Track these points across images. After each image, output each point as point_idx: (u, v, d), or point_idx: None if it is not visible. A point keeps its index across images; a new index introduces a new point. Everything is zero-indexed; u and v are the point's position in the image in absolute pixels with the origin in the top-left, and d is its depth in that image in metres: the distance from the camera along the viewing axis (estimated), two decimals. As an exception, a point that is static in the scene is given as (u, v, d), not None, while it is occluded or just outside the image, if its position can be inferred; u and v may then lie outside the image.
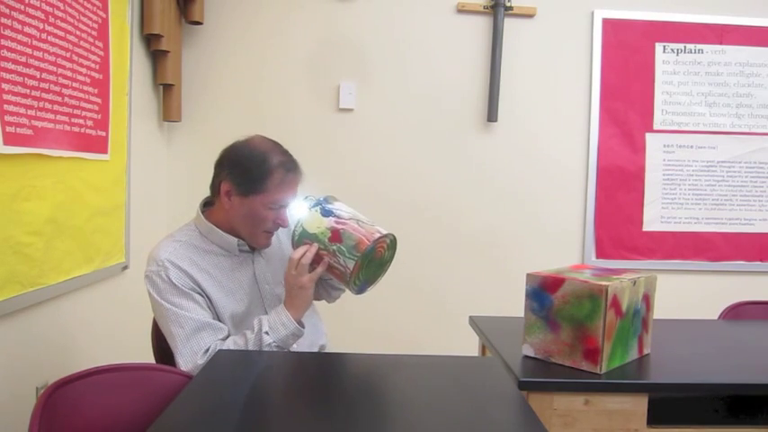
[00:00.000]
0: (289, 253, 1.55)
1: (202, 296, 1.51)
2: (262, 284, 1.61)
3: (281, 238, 1.69)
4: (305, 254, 1.47)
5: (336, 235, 1.46)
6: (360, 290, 1.54)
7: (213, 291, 1.52)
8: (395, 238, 1.55)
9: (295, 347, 1.55)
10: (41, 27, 1.64)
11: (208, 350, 1.44)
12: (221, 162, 1.57)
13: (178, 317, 1.46)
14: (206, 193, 1.65)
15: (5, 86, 1.49)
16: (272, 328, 1.46)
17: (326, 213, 1.50)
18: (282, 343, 1.47)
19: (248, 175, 1.50)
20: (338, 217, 1.49)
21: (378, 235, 1.47)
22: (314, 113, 2.84)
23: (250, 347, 1.45)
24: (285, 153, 1.56)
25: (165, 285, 1.48)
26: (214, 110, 2.81)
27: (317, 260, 1.48)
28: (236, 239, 1.57)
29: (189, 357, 1.43)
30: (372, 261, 1.50)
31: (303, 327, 1.50)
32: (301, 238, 1.50)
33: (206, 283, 1.52)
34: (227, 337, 1.50)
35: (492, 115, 2.86)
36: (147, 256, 1.56)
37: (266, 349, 1.45)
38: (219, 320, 1.52)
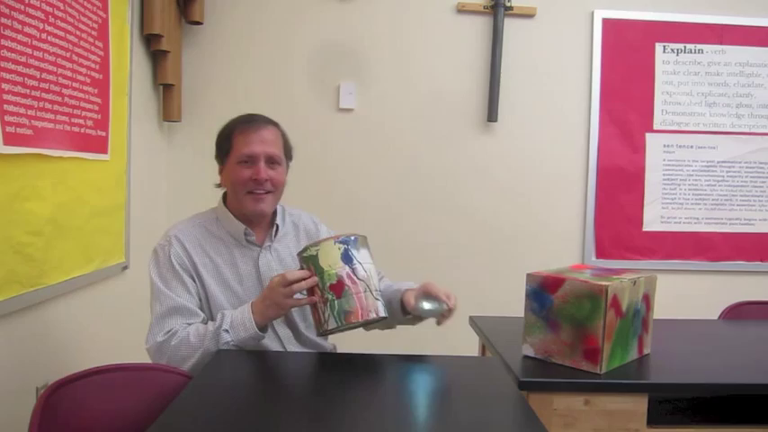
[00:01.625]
0: None
1: (194, 281, 1.51)
2: (266, 281, 1.55)
3: (301, 239, 1.66)
4: (301, 282, 1.39)
5: (339, 288, 1.37)
6: (321, 336, 1.48)
7: (209, 278, 1.52)
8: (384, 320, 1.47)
9: None
10: (41, 27, 1.64)
11: (170, 331, 1.43)
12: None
13: (161, 293, 1.47)
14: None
15: (5, 86, 1.49)
16: (234, 328, 1.42)
17: (346, 259, 1.39)
18: (241, 344, 1.43)
19: (219, 143, 1.61)
20: (353, 271, 1.38)
21: (373, 317, 1.39)
22: (314, 113, 2.84)
23: (207, 342, 1.40)
24: (253, 114, 1.61)
25: (164, 260, 1.51)
26: (214, 110, 2.81)
27: (308, 290, 1.41)
28: (243, 227, 1.57)
29: (153, 335, 1.44)
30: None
31: (265, 331, 1.46)
32: (309, 261, 1.40)
33: (204, 268, 1.52)
34: (195, 323, 1.47)
35: (492, 115, 2.86)
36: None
37: (224, 347, 1.40)
38: (205, 308, 1.51)
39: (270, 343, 1.53)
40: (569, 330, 1.45)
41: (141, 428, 1.04)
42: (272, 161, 1.55)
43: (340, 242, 1.40)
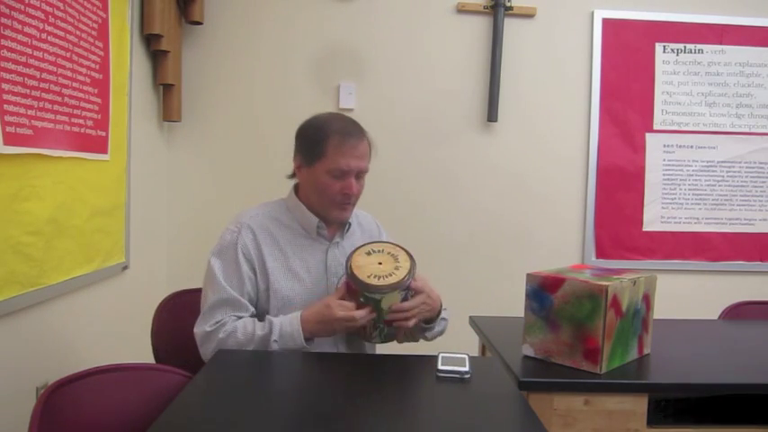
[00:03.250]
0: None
1: (255, 273, 1.53)
2: (331, 277, 1.58)
3: (374, 235, 1.70)
4: (361, 318, 1.44)
5: (391, 322, 1.49)
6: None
7: (276, 267, 1.54)
8: None
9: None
10: (41, 27, 1.64)
11: (219, 322, 1.47)
12: (295, 136, 1.61)
13: (216, 283, 1.50)
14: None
15: (5, 86, 1.49)
16: (282, 338, 1.45)
17: (403, 299, 1.49)
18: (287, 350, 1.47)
19: (309, 142, 1.55)
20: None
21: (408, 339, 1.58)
22: (314, 113, 2.83)
23: (255, 344, 1.45)
24: (347, 120, 1.57)
25: (230, 247, 1.53)
26: (214, 110, 2.81)
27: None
28: (317, 219, 1.58)
29: (202, 324, 1.48)
30: None
31: (312, 342, 1.48)
32: (370, 301, 1.46)
33: (272, 257, 1.54)
34: (244, 317, 1.50)
35: (492, 115, 2.86)
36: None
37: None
38: (263, 298, 1.53)
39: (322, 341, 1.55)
40: (569, 330, 1.45)
41: (141, 428, 1.04)
42: (360, 174, 1.56)
43: (402, 290, 1.47)
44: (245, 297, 1.52)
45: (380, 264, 1.49)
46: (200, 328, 1.49)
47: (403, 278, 1.46)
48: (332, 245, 1.61)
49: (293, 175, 1.64)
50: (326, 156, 1.51)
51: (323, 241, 1.61)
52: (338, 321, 1.44)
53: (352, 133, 1.53)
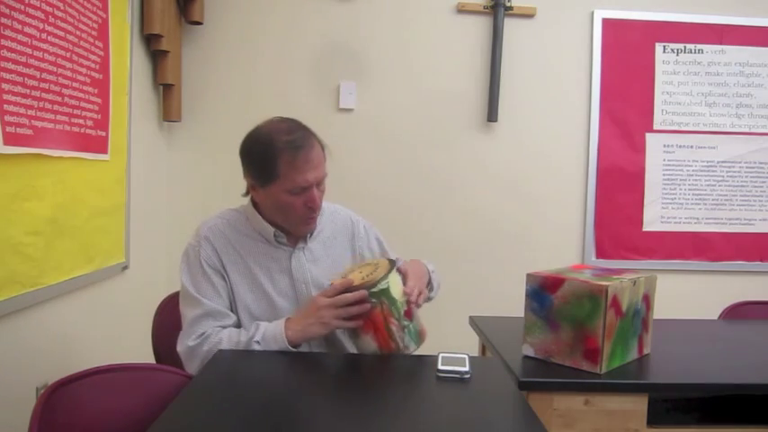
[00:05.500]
0: (342, 256, 1.58)
1: (224, 280, 1.49)
2: (298, 284, 1.53)
3: (338, 235, 1.62)
4: (356, 304, 1.36)
5: (409, 312, 1.41)
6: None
7: (237, 277, 1.50)
8: None
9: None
10: (41, 27, 1.64)
11: (203, 334, 1.42)
12: (240, 155, 1.52)
13: (192, 298, 1.46)
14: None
15: (5, 86, 1.49)
16: (265, 339, 1.40)
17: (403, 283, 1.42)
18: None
19: (258, 164, 1.47)
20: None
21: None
22: (314, 113, 2.82)
23: (240, 349, 1.41)
24: (291, 131, 1.47)
25: (194, 262, 1.49)
26: (214, 110, 2.81)
27: (359, 317, 1.38)
28: (273, 229, 1.52)
29: (184, 339, 1.44)
30: None
31: (298, 347, 1.42)
32: (381, 295, 1.37)
33: (234, 266, 1.50)
34: (229, 326, 1.46)
35: (492, 115, 2.86)
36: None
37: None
38: (233, 308, 1.49)
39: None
40: (569, 330, 1.45)
41: (141, 428, 1.04)
42: (320, 182, 1.49)
43: (395, 269, 1.42)
44: (223, 306, 1.47)
45: (360, 272, 1.44)
46: (183, 345, 1.43)
47: (389, 263, 1.43)
48: (296, 250, 1.55)
49: (248, 193, 1.56)
50: (281, 176, 1.43)
51: (285, 248, 1.54)
52: (326, 308, 1.37)
53: (302, 144, 1.44)
